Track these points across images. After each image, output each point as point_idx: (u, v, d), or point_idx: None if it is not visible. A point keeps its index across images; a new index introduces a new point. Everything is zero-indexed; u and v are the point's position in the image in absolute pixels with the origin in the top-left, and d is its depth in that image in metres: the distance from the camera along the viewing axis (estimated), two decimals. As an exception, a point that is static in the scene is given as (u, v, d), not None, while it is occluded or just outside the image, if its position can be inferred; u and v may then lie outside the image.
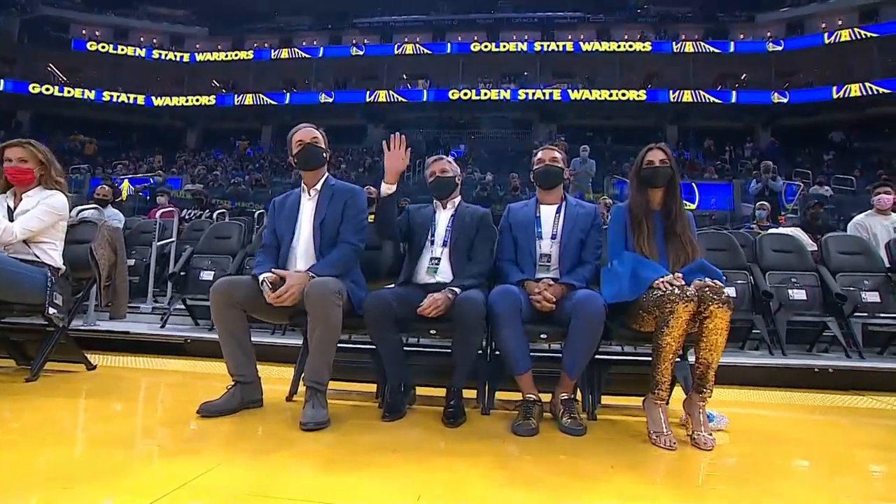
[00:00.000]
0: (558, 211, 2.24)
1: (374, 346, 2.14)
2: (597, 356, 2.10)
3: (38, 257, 2.40)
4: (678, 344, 1.80)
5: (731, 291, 3.48)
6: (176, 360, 3.17)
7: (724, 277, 1.98)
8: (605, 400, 2.26)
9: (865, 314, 3.36)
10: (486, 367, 2.22)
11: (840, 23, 18.96)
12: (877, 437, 2.04)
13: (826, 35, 18.48)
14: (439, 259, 2.23)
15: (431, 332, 2.11)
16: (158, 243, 4.46)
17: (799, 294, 3.51)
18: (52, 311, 2.34)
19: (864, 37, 17.89)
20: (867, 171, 14.12)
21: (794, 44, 19.22)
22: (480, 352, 2.20)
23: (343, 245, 2.13)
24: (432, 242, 2.26)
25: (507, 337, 1.91)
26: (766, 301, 3.41)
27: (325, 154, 2.24)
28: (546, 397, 2.04)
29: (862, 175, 13.37)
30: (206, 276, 3.86)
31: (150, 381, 2.73)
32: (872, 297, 3.42)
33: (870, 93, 17.39)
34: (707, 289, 1.76)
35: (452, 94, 19.94)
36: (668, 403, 1.86)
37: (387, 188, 2.16)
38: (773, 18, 20.54)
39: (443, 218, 2.30)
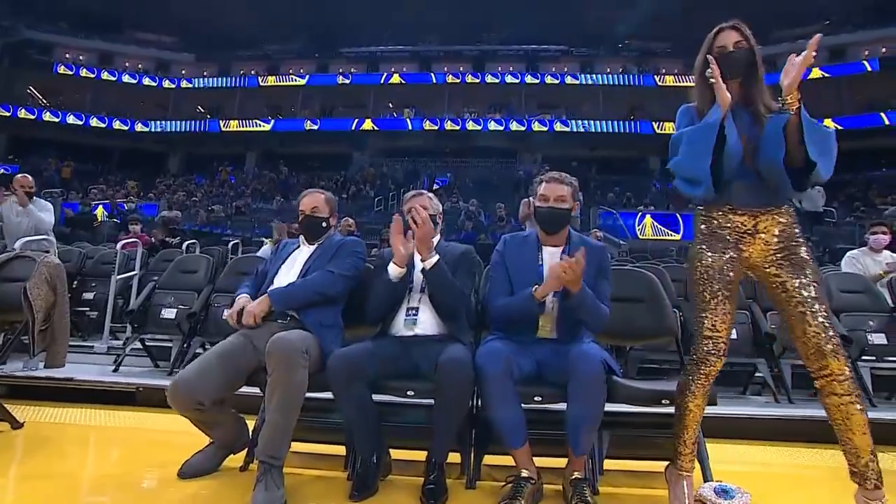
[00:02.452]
0: (563, 254, 1.89)
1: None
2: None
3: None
4: (702, 409, 1.56)
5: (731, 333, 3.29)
6: (124, 411, 2.82)
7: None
8: (609, 465, 2.00)
9: (873, 358, 3.18)
10: (473, 430, 1.94)
11: (811, 61, 19.68)
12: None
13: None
14: (417, 309, 1.95)
15: (409, 392, 1.84)
16: (119, 277, 4.12)
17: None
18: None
19: (829, 76, 18.58)
20: (845, 202, 14.39)
21: (768, 80, 19.74)
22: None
23: (323, 272, 1.95)
24: (410, 290, 1.98)
25: (498, 407, 1.65)
26: (769, 344, 3.21)
27: (324, 223, 2.13)
28: (548, 461, 1.77)
29: (841, 206, 13.58)
30: (168, 313, 3.53)
31: (83, 440, 2.38)
32: (879, 338, 3.25)
33: (843, 127, 17.94)
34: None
35: (438, 124, 20.05)
36: (691, 474, 1.61)
37: (396, 271, 1.88)
38: (748, 56, 21.29)
39: (419, 271, 1.97)
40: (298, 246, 2.16)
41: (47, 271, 2.43)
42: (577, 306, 1.77)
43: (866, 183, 16.21)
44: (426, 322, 1.93)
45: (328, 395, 2.02)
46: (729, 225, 1.60)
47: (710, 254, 1.59)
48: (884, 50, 18.76)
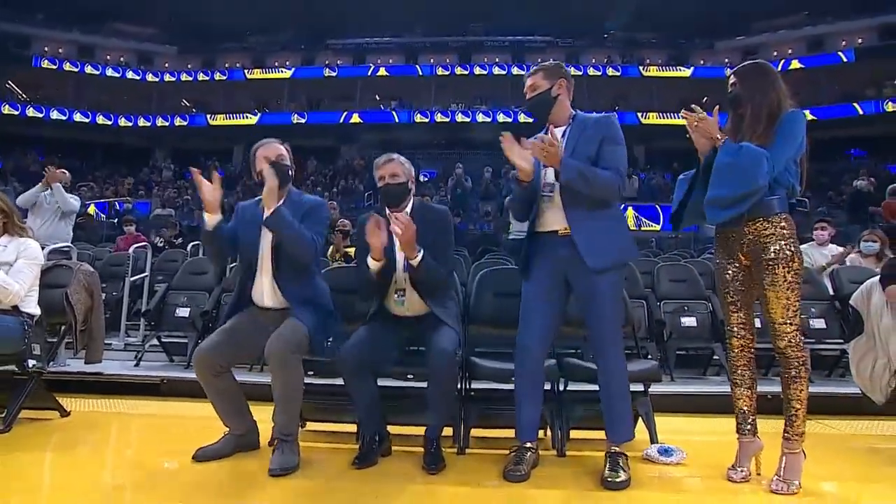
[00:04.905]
0: (563, 134, 2.04)
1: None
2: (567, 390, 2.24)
3: (12, 306, 2.40)
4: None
5: (691, 321, 3.71)
6: (152, 401, 3.15)
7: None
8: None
9: (813, 340, 3.61)
10: (462, 407, 2.31)
11: (790, 51, 20.16)
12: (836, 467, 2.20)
13: (781, 63, 19.61)
14: (404, 290, 2.13)
15: (408, 376, 2.21)
16: (132, 279, 4.41)
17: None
18: (31, 362, 2.34)
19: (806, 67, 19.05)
20: (818, 192, 14.94)
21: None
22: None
23: (311, 237, 2.08)
24: (394, 269, 2.14)
25: (522, 405, 1.98)
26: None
27: (290, 172, 2.17)
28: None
29: (814, 196, 14.13)
30: (182, 312, 3.86)
31: (124, 426, 2.72)
32: (819, 323, 3.68)
33: (819, 117, 18.50)
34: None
35: (428, 117, 20.23)
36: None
37: (375, 265, 2.06)
38: (730, 46, 21.65)
39: (401, 257, 2.10)
40: (261, 211, 2.11)
41: (84, 278, 2.72)
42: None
43: (837, 172, 16.79)
44: (415, 302, 2.15)
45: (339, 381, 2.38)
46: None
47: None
48: (860, 41, 19.25)
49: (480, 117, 20.38)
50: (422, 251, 2.01)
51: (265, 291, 2.13)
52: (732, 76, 2.00)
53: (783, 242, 1.83)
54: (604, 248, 1.93)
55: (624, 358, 1.97)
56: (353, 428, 2.38)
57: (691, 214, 2.01)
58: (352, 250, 4.84)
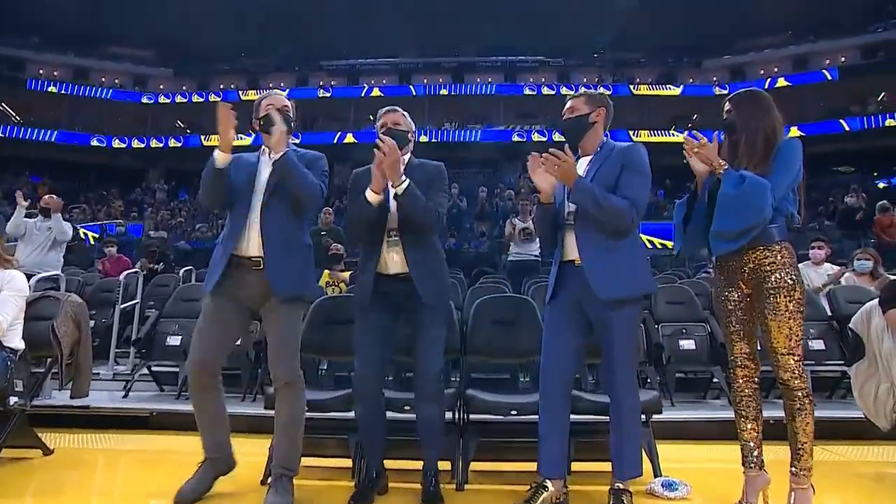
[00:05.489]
0: (590, 161, 2.02)
1: (348, 421, 2.16)
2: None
3: (-5, 340, 2.33)
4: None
5: (690, 344, 3.67)
6: (140, 435, 3.06)
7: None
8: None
9: (813, 362, 3.58)
10: (461, 441, 2.25)
11: (776, 70, 20.58)
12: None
13: (768, 81, 20.01)
14: (397, 230, 2.05)
15: (405, 407, 2.15)
16: (122, 306, 4.33)
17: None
18: (13, 399, 2.26)
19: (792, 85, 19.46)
20: (808, 208, 15.09)
21: (737, 88, 20.48)
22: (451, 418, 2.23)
23: (315, 182, 2.06)
24: (388, 209, 2.07)
25: (543, 437, 1.92)
26: (725, 353, 3.59)
27: (293, 124, 2.16)
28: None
29: (805, 211, 14.27)
30: (173, 341, 3.77)
31: (111, 463, 2.63)
32: (817, 344, 3.65)
33: (807, 133, 18.80)
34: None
35: (427, 136, 20.38)
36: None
37: (373, 198, 2.00)
38: (717, 65, 22.09)
39: (392, 187, 2.02)
40: (255, 161, 2.15)
41: (72, 309, 2.66)
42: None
43: (827, 187, 17.01)
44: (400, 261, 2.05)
45: (333, 414, 2.32)
46: None
47: None
48: (843, 59, 19.72)
49: (474, 136, 20.55)
50: (408, 180, 1.97)
51: (252, 240, 2.02)
52: (727, 103, 2.00)
53: (784, 271, 1.81)
54: (615, 278, 1.87)
55: (637, 396, 1.91)
56: (347, 463, 2.31)
57: (691, 240, 1.99)
58: (346, 275, 4.79)
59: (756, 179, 1.79)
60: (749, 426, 1.90)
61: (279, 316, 2.00)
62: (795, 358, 1.81)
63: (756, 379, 1.94)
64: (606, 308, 1.87)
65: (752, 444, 1.89)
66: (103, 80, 22.44)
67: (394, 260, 2.06)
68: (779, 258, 1.83)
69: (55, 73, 21.95)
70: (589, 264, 1.90)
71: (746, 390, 1.92)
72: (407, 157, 2.15)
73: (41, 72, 21.77)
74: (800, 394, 1.80)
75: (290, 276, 2.00)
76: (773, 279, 1.82)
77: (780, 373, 1.82)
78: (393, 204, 2.04)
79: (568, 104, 2.09)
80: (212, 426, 2.02)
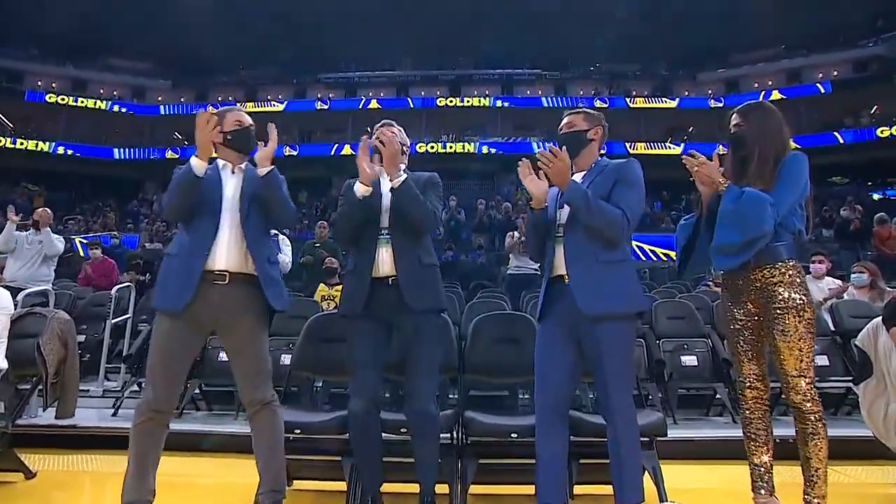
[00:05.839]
0: (583, 178, 1.99)
1: (342, 443, 2.09)
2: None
3: (-24, 360, 2.25)
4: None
5: (692, 360, 3.61)
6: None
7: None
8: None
9: (817, 378, 3.51)
10: (459, 463, 2.18)
11: (770, 83, 20.79)
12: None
13: (762, 94, 20.21)
14: (388, 229, 2.03)
15: (402, 430, 2.08)
16: (114, 320, 4.24)
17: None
18: (-7, 423, 2.17)
19: (786, 98, 19.66)
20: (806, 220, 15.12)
21: (732, 101, 20.88)
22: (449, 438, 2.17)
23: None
24: (380, 205, 2.05)
25: (539, 462, 1.83)
26: (727, 369, 3.53)
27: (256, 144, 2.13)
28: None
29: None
30: (164, 356, 3.67)
31: (97, 486, 2.53)
32: (821, 360, 3.59)
33: (801, 145, 18.95)
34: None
35: (419, 147, 20.44)
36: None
37: (363, 190, 1.98)
38: (712, 78, 22.32)
39: (387, 191, 2.05)
40: (216, 176, 2.05)
41: (58, 327, 2.58)
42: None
43: (823, 198, 17.09)
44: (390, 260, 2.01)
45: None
46: None
47: None
48: (835, 73, 19.95)
49: (470, 148, 20.61)
50: (405, 175, 1.99)
51: (221, 251, 1.92)
52: (736, 115, 1.96)
53: (792, 290, 1.76)
54: (600, 293, 1.79)
55: (634, 419, 1.82)
56: (342, 486, 2.22)
57: (697, 260, 1.95)
58: (340, 289, 4.72)
59: (754, 193, 1.75)
60: (760, 451, 1.84)
61: (250, 332, 1.92)
62: (807, 380, 1.75)
63: (766, 399, 1.88)
64: (594, 325, 1.79)
65: (762, 469, 1.83)
66: (101, 91, 22.49)
67: (384, 259, 2.01)
68: (787, 277, 1.78)
69: (53, 85, 21.99)
70: (575, 279, 1.84)
71: (757, 412, 1.86)
72: (402, 167, 2.11)
73: (39, 83, 21.81)
74: (812, 417, 1.74)
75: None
76: (780, 298, 1.76)
77: (792, 395, 1.76)
78: (387, 201, 2.03)
79: (566, 119, 2.07)
80: (151, 470, 1.90)
